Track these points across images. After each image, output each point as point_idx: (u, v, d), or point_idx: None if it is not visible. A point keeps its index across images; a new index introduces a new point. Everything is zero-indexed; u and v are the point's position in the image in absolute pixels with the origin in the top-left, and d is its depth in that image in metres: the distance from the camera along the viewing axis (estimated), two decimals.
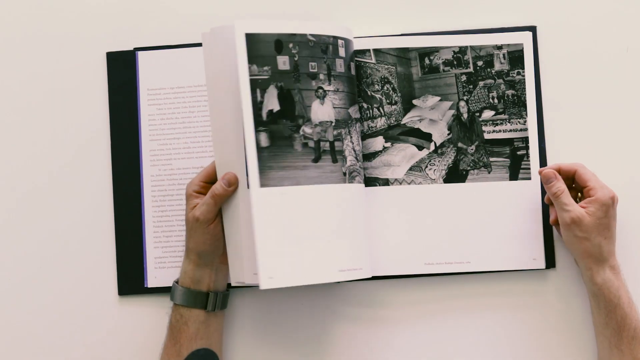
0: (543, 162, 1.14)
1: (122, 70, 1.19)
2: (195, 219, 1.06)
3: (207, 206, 1.05)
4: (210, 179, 1.08)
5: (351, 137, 1.09)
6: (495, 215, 1.13)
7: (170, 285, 1.14)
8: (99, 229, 1.18)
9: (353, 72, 1.10)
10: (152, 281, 1.16)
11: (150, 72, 1.18)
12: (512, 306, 1.15)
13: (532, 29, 1.17)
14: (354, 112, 1.10)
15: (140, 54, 1.18)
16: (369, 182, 1.13)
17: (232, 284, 1.07)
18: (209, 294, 1.09)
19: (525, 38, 1.16)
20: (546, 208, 1.14)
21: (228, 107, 1.04)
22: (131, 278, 1.17)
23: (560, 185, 1.07)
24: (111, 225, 1.18)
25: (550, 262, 1.14)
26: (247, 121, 1.01)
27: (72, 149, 1.19)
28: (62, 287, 1.18)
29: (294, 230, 1.03)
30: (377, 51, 1.14)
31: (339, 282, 1.14)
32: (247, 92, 1.02)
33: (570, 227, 1.06)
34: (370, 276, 1.09)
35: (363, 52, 1.14)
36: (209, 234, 1.06)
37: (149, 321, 1.16)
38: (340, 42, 1.08)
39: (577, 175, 1.09)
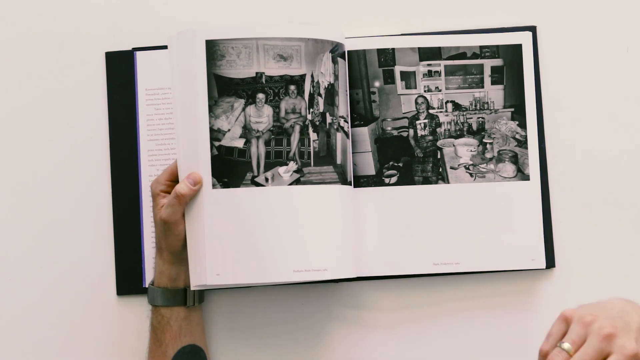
0: (543, 162, 1.14)
1: (120, 70, 1.18)
2: (163, 221, 1.06)
3: (172, 207, 1.05)
4: (175, 178, 1.08)
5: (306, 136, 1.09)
6: (495, 215, 1.13)
7: None
8: (98, 228, 1.18)
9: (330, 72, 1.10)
10: (150, 281, 1.16)
11: (148, 72, 1.18)
12: (512, 306, 1.15)
13: (532, 29, 1.16)
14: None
15: (138, 54, 1.18)
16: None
17: (192, 288, 1.06)
18: (187, 289, 1.09)
19: (525, 38, 1.16)
20: (547, 208, 1.14)
21: (193, 106, 1.05)
22: (129, 278, 1.16)
23: None
24: (110, 225, 1.17)
25: (550, 261, 1.14)
26: (201, 124, 1.04)
27: (70, 149, 1.19)
28: (61, 287, 1.17)
29: (248, 230, 1.03)
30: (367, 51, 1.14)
31: (329, 282, 1.14)
32: (204, 95, 1.04)
33: None
34: (340, 277, 1.08)
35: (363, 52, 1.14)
36: (179, 234, 1.06)
37: (147, 321, 1.15)
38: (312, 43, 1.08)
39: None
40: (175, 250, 1.07)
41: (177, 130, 1.07)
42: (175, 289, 1.08)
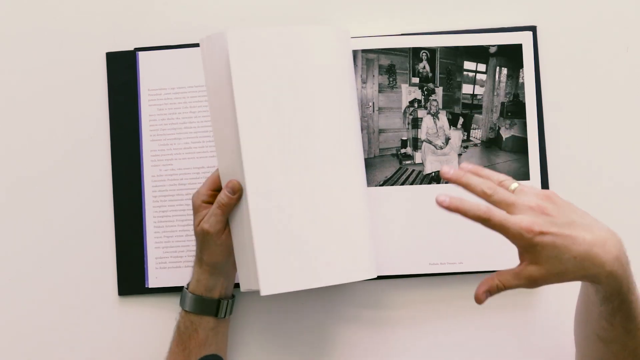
0: (543, 162, 1.14)
1: (122, 70, 1.19)
2: (205, 232, 1.04)
3: (215, 217, 1.03)
4: (217, 187, 1.06)
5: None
6: None
7: (171, 285, 1.15)
8: (99, 230, 1.18)
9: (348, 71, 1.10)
10: (153, 281, 1.16)
11: (151, 72, 1.18)
12: (512, 306, 1.16)
13: (532, 29, 1.17)
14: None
15: (141, 54, 1.18)
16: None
17: (242, 290, 1.06)
18: (221, 301, 1.08)
19: (525, 38, 1.16)
20: None
21: (228, 114, 1.04)
22: (131, 278, 1.17)
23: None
24: (111, 225, 1.18)
25: None
26: (242, 127, 1.01)
27: (71, 149, 1.19)
28: (62, 287, 1.18)
29: (294, 234, 1.02)
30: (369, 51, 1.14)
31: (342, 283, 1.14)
32: (241, 100, 1.01)
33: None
34: (375, 276, 1.09)
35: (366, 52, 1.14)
36: (222, 245, 1.05)
37: (149, 322, 1.16)
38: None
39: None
40: (216, 262, 1.06)
41: (215, 136, 1.06)
42: (210, 299, 1.08)
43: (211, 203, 1.05)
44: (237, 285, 1.13)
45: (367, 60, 1.14)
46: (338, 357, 1.16)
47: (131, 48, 1.19)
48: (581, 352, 1.04)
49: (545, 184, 1.15)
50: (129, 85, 1.18)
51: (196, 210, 1.07)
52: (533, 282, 0.89)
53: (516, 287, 0.89)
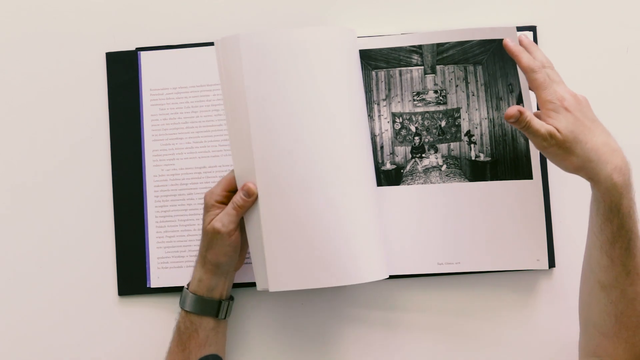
0: (544, 161, 1.15)
1: (123, 70, 1.19)
2: (216, 231, 1.05)
3: (229, 217, 1.04)
4: (232, 188, 1.07)
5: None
6: (499, 215, 1.13)
7: (173, 285, 1.15)
8: (101, 230, 1.18)
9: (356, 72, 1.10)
10: (154, 281, 1.17)
11: (152, 72, 1.18)
12: (512, 306, 1.16)
13: (532, 29, 1.17)
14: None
15: (142, 54, 1.18)
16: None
17: (258, 289, 1.07)
18: (221, 302, 1.09)
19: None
20: (547, 208, 1.14)
21: (243, 116, 1.04)
22: (133, 278, 1.17)
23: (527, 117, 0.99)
24: (111, 225, 1.18)
25: (551, 261, 1.14)
26: (253, 129, 1.03)
27: (71, 149, 1.19)
28: (62, 287, 1.18)
29: (304, 234, 1.03)
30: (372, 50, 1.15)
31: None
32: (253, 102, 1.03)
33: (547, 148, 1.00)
34: (386, 277, 1.09)
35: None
36: (230, 245, 1.06)
37: (150, 322, 1.16)
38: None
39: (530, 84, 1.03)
40: (220, 262, 1.07)
41: (231, 138, 1.06)
42: (210, 300, 1.08)
43: (224, 204, 1.06)
44: (236, 285, 1.14)
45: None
46: (343, 357, 1.16)
47: (132, 48, 1.19)
48: (584, 316, 1.05)
49: (545, 184, 1.15)
50: (131, 85, 1.18)
51: (208, 209, 1.07)
52: (550, 138, 0.97)
53: (535, 133, 0.97)
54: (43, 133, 1.19)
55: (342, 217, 1.04)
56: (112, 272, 1.17)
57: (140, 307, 1.17)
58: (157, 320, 1.15)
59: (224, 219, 1.05)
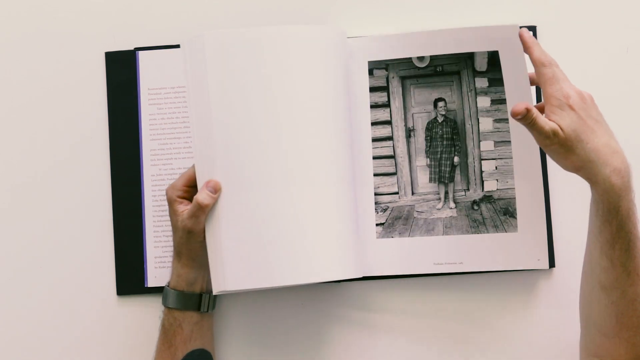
0: (543, 161, 1.14)
1: (122, 70, 1.19)
2: (188, 230, 1.06)
3: (197, 218, 1.05)
4: (193, 183, 1.08)
5: None
6: (499, 215, 1.13)
7: None
8: (99, 229, 1.18)
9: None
10: (152, 281, 1.16)
11: (151, 71, 1.18)
12: (512, 306, 1.16)
13: (532, 29, 1.17)
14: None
15: (141, 53, 1.18)
16: None
17: (214, 293, 1.06)
18: (202, 295, 1.09)
19: None
20: (547, 208, 1.14)
21: (205, 112, 1.05)
22: (130, 278, 1.17)
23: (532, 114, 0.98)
24: (110, 224, 1.18)
25: (551, 261, 1.14)
26: (216, 127, 1.03)
27: (70, 149, 1.19)
28: (61, 287, 1.18)
29: (262, 232, 1.03)
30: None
31: (331, 283, 1.14)
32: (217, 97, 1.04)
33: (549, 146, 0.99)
34: (353, 277, 1.08)
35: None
36: (202, 242, 1.07)
37: (148, 321, 1.16)
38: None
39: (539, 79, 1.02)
40: (196, 256, 1.07)
41: (193, 135, 1.06)
42: (191, 293, 1.09)
43: (186, 199, 1.08)
44: None
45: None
46: (332, 356, 1.16)
47: (131, 47, 1.19)
48: (585, 316, 1.05)
49: (545, 184, 1.15)
50: (129, 84, 1.18)
51: (171, 203, 1.08)
52: (554, 136, 0.96)
53: (540, 130, 0.96)
54: (42, 132, 1.19)
55: (302, 216, 1.04)
56: (111, 272, 1.17)
57: (138, 307, 1.16)
58: (155, 319, 1.14)
59: (192, 220, 1.05)
